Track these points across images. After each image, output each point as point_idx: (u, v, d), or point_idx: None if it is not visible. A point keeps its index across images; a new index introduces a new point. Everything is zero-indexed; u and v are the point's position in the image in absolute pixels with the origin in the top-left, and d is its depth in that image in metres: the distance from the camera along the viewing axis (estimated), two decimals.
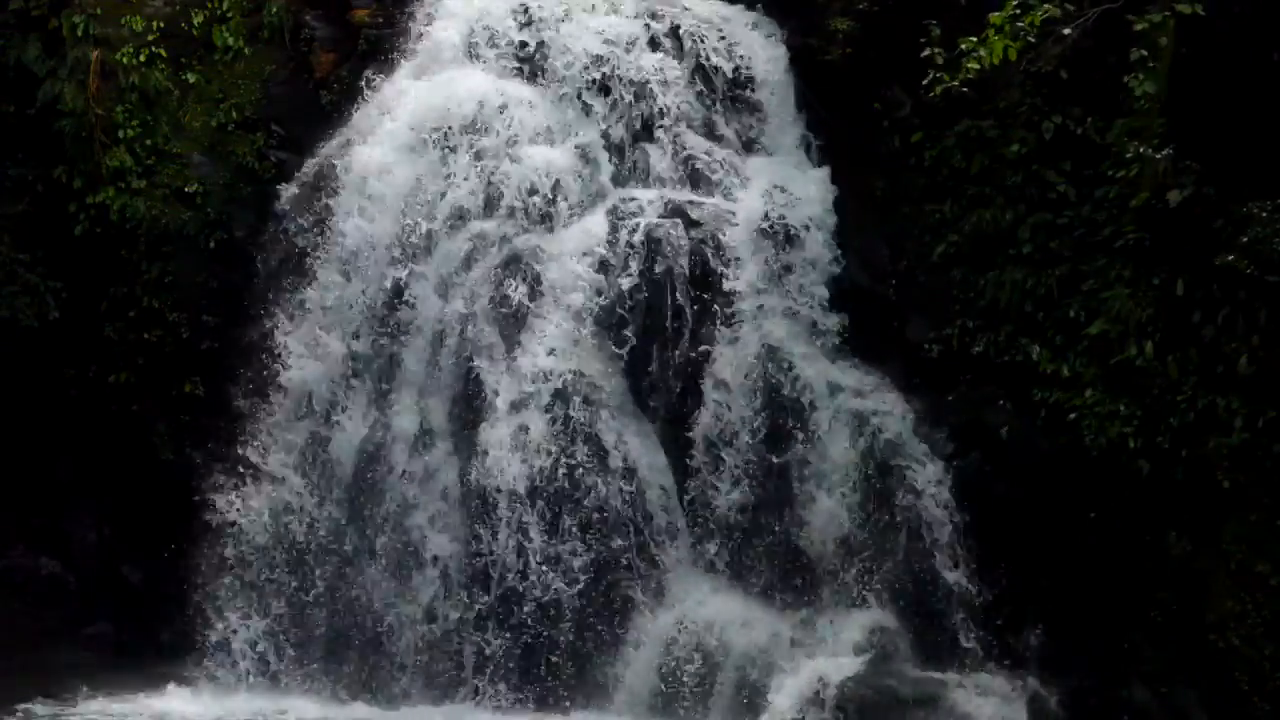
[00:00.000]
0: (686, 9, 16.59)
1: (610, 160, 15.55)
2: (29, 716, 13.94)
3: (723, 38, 16.30)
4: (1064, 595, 13.50)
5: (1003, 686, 13.09)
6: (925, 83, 12.64)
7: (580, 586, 14.02)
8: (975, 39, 11.88)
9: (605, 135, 15.64)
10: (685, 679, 13.54)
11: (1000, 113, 14.58)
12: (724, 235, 14.90)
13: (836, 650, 13.38)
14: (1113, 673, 13.18)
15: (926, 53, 12.62)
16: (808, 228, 15.02)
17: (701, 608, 13.87)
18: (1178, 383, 12.89)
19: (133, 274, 16.49)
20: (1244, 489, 12.43)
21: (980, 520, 13.81)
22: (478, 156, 15.54)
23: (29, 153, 16.59)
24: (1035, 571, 13.64)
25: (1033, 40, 11.95)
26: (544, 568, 14.05)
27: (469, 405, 14.66)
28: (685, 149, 15.61)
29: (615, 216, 15.05)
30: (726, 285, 14.68)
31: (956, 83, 12.10)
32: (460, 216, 15.35)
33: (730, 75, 16.08)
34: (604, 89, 15.82)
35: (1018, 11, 11.65)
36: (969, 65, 11.80)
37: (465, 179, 15.44)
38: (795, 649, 13.50)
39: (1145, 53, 13.03)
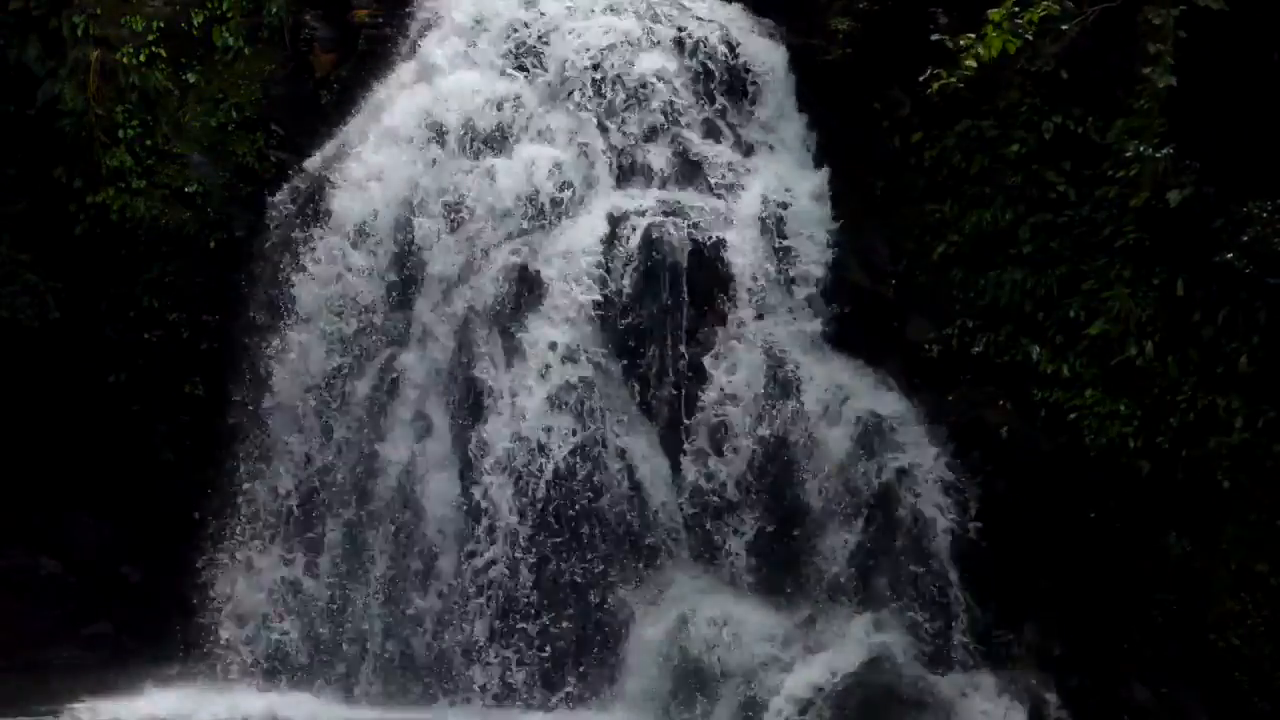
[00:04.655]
0: (687, 9, 16.59)
1: (610, 160, 15.54)
2: (29, 716, 13.93)
3: (723, 38, 16.31)
4: (1064, 595, 13.49)
5: (1003, 686, 13.09)
6: (923, 79, 12.61)
7: (580, 587, 14.02)
8: (973, 36, 11.87)
9: (605, 135, 15.62)
10: (685, 679, 13.52)
11: (1000, 113, 14.58)
12: (724, 235, 14.89)
13: (837, 650, 13.35)
14: (1113, 673, 13.17)
15: (936, 37, 12.55)
16: (807, 227, 15.03)
17: (702, 608, 13.83)
18: (1178, 383, 12.89)
19: (133, 274, 16.49)
20: (1244, 489, 12.43)
21: (980, 520, 13.80)
22: (476, 156, 15.56)
23: (29, 153, 16.59)
24: (1035, 571, 13.63)
25: (1031, 38, 11.94)
26: (543, 567, 14.05)
27: (468, 405, 14.66)
28: (685, 149, 15.61)
29: (615, 216, 15.03)
30: (726, 285, 14.68)
31: (954, 80, 12.08)
32: (459, 217, 15.35)
33: (730, 75, 16.08)
34: (604, 89, 15.83)
35: (1016, 9, 11.63)
36: (967, 62, 11.78)
37: (464, 179, 15.44)
38: (796, 649, 13.48)
39: (1160, 46, 12.96)
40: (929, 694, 12.95)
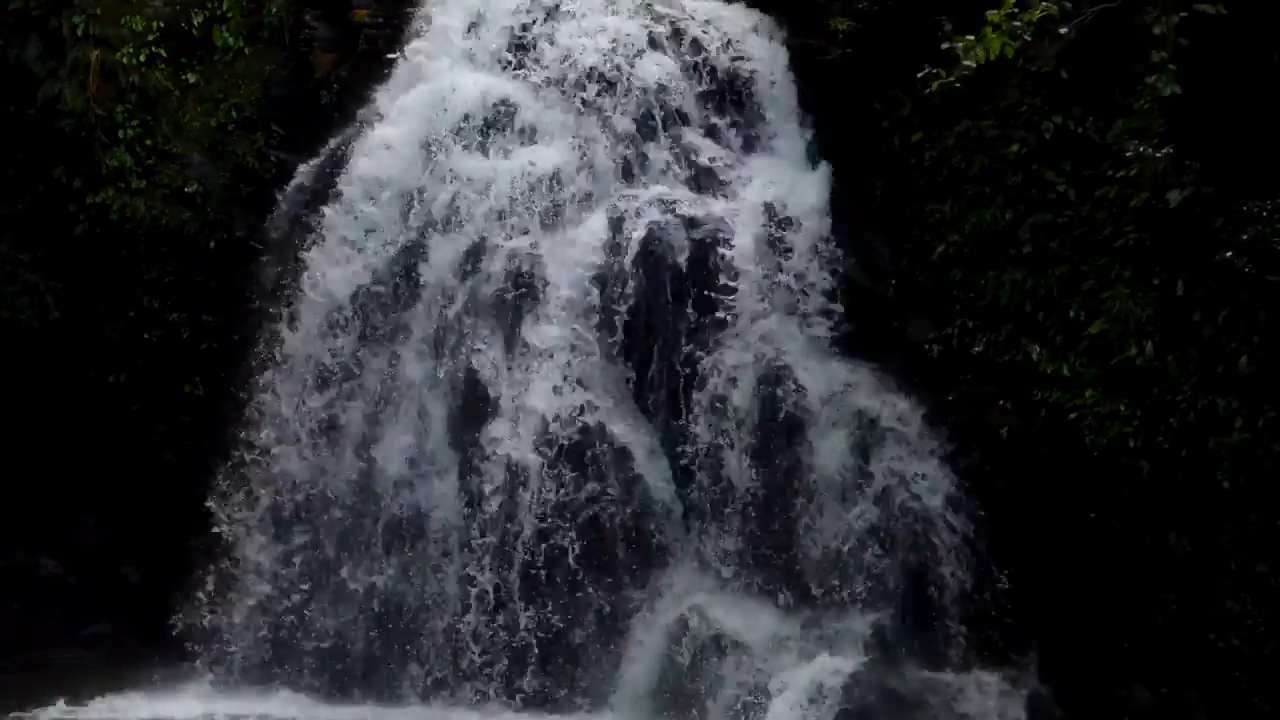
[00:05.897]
0: (686, 9, 16.59)
1: (610, 160, 15.54)
2: (29, 717, 13.93)
3: (723, 38, 16.30)
4: (1064, 595, 13.49)
5: (1003, 686, 13.10)
6: (921, 75, 12.59)
7: (579, 586, 14.02)
8: (972, 37, 11.85)
9: (605, 135, 15.62)
10: (686, 680, 13.53)
11: (1000, 113, 14.58)
12: (724, 235, 14.88)
13: (837, 650, 13.35)
14: (1113, 673, 13.17)
15: (946, 46, 12.55)
16: (807, 227, 15.03)
17: (702, 608, 13.85)
18: (1178, 383, 12.88)
19: (133, 274, 16.50)
20: (1244, 489, 12.42)
21: (980, 520, 13.81)
22: (477, 157, 15.55)
23: (29, 153, 16.59)
24: (1035, 571, 13.63)
25: (1029, 39, 11.92)
26: (543, 568, 14.05)
27: (469, 406, 14.66)
28: (685, 149, 15.62)
29: (615, 217, 15.04)
30: (726, 285, 14.67)
31: (953, 79, 12.06)
32: (460, 217, 15.35)
33: (730, 75, 16.08)
34: (604, 89, 15.82)
35: (1016, 10, 11.61)
36: (966, 63, 11.76)
37: (464, 180, 15.44)
38: (796, 649, 13.48)
39: (1165, 55, 12.94)
40: (929, 693, 12.96)
